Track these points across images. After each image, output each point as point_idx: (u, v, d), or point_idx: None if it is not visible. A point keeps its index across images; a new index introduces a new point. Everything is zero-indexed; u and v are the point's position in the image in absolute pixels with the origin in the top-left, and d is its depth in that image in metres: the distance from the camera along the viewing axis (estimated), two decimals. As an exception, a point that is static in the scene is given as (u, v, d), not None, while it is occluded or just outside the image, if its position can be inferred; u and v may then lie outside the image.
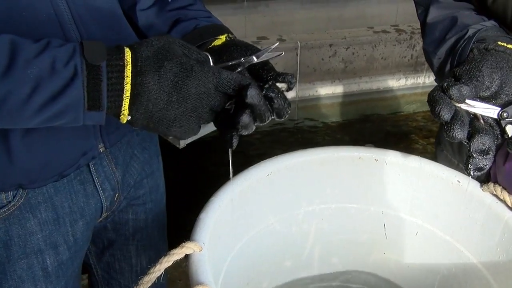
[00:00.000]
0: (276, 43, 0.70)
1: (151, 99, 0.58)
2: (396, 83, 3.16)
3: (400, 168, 0.92)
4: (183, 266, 0.73)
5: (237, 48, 0.70)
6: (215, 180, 0.80)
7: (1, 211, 0.73)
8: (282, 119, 0.66)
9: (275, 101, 0.63)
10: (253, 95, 0.61)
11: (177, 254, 0.69)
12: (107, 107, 0.59)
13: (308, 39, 2.92)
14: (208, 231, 0.75)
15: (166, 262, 0.68)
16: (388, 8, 3.41)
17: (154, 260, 0.99)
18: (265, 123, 0.65)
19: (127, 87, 0.58)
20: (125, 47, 0.60)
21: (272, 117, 0.65)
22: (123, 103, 0.59)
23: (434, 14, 0.89)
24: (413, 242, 0.96)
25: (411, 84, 3.20)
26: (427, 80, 3.21)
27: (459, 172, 0.87)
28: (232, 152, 0.71)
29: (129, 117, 0.59)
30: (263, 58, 0.69)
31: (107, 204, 0.84)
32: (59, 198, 0.78)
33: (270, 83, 0.66)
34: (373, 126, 3.07)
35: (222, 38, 0.74)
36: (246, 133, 0.65)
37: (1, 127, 0.62)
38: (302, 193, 0.95)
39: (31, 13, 0.64)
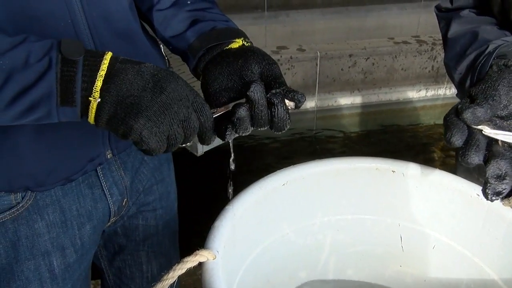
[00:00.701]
0: (231, 104, 0.66)
1: (126, 81, 0.57)
2: (416, 94, 3.14)
3: (417, 180, 0.90)
4: (198, 273, 0.73)
5: (254, 55, 0.69)
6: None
7: (10, 211, 0.75)
8: (279, 133, 0.65)
9: (277, 109, 0.62)
10: (256, 90, 0.61)
11: (190, 262, 0.68)
12: (81, 88, 0.57)
13: (328, 49, 2.91)
14: (223, 239, 0.75)
15: (180, 269, 0.68)
16: (409, 19, 3.40)
17: (165, 268, 0.99)
18: (261, 128, 0.65)
19: (103, 67, 0.58)
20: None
21: (269, 127, 0.65)
22: (96, 82, 0.57)
23: (455, 28, 0.87)
24: (430, 256, 0.94)
25: (431, 96, 3.17)
26: (448, 91, 3.17)
27: (479, 186, 0.85)
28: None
29: (99, 100, 0.57)
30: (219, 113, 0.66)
31: (115, 209, 0.85)
32: (67, 201, 0.79)
33: (277, 90, 0.65)
34: (392, 137, 3.04)
35: (239, 41, 0.74)
36: (242, 132, 0.63)
37: None
38: (318, 203, 0.95)
39: (49, 21, 0.66)
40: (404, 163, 0.91)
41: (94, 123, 0.60)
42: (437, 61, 3.06)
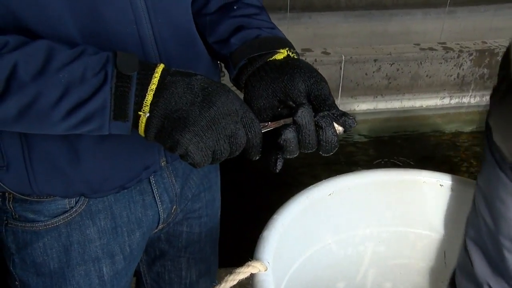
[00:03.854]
0: (282, 120, 0.63)
1: (175, 95, 0.57)
2: (440, 101, 3.09)
3: (467, 195, 0.88)
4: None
5: (300, 71, 0.65)
6: (271, 195, 0.78)
7: (64, 215, 0.74)
8: (327, 155, 0.63)
9: (325, 132, 0.60)
10: (304, 115, 0.59)
11: (243, 273, 0.67)
12: (133, 103, 0.57)
13: (353, 53, 2.89)
14: (272, 250, 0.73)
15: (232, 280, 0.66)
16: (433, 25, 3.35)
17: (203, 274, 0.98)
18: (308, 151, 0.61)
19: (154, 81, 0.57)
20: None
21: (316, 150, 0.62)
22: (147, 96, 0.57)
23: None
24: (476, 273, 0.92)
25: (455, 104, 3.12)
26: (473, 100, 3.13)
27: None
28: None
29: (148, 114, 0.57)
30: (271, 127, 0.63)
31: (164, 216, 0.84)
32: (118, 207, 0.78)
33: (326, 113, 0.61)
34: (414, 144, 3.00)
35: (283, 52, 0.70)
36: (289, 155, 0.61)
37: (28, 131, 0.63)
38: (361, 214, 0.93)
39: (115, 27, 0.65)
40: (453, 177, 0.89)
41: (144, 135, 0.59)
42: (462, 69, 3.01)
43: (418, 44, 3.06)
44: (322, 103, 0.63)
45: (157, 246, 0.92)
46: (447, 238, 0.93)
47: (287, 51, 0.70)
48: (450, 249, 0.94)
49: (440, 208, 0.90)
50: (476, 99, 3.13)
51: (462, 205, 0.89)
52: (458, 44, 3.07)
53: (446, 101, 3.10)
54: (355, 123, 0.62)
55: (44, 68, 0.55)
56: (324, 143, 0.60)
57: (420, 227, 0.94)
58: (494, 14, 3.36)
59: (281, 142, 0.59)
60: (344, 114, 0.62)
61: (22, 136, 0.66)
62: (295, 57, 0.70)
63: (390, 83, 2.96)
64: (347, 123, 0.62)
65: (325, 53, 2.88)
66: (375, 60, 2.89)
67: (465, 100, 3.13)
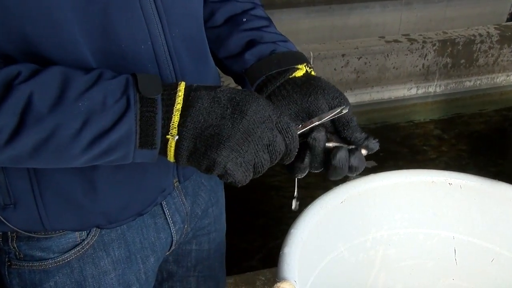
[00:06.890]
0: (338, 109, 0.65)
1: (202, 110, 0.53)
2: (407, 92, 3.15)
3: (476, 192, 0.88)
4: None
5: (323, 92, 0.64)
6: (259, 198, 0.76)
7: (75, 250, 0.69)
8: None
9: (354, 166, 0.63)
10: (342, 158, 0.61)
11: (273, 296, 0.64)
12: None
13: (321, 49, 2.89)
14: (296, 267, 0.70)
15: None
16: (391, 17, 3.42)
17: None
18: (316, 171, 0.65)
19: (179, 100, 0.54)
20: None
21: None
22: (173, 117, 0.53)
23: None
24: (487, 270, 0.92)
25: (422, 93, 3.18)
26: (438, 89, 3.20)
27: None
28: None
29: (177, 137, 0.53)
30: (323, 120, 0.64)
31: (177, 238, 0.79)
32: (131, 233, 0.73)
33: (354, 147, 0.64)
34: (384, 136, 3.04)
35: (302, 68, 0.68)
36: (315, 169, 0.64)
37: (43, 166, 0.58)
38: (372, 219, 0.91)
39: (130, 44, 0.60)
40: (462, 175, 0.89)
41: (174, 161, 0.55)
42: (427, 59, 3.07)
43: (383, 37, 3.09)
44: (346, 125, 0.63)
45: (165, 268, 0.87)
46: (456, 235, 0.93)
47: (305, 67, 0.68)
48: (460, 245, 0.93)
49: (449, 206, 0.90)
50: (441, 88, 3.20)
51: (472, 203, 0.89)
52: (421, 35, 3.12)
53: (413, 91, 3.15)
54: (378, 147, 0.64)
55: (61, 98, 0.50)
56: (353, 169, 0.63)
57: (430, 227, 0.93)
58: (447, 5, 3.46)
59: (311, 141, 0.60)
60: (367, 138, 0.63)
61: (30, 169, 0.60)
62: (313, 73, 0.69)
63: (358, 77, 2.98)
64: (369, 147, 0.64)
65: (293, 50, 2.87)
66: (343, 55, 2.90)
67: (431, 89, 3.19)
